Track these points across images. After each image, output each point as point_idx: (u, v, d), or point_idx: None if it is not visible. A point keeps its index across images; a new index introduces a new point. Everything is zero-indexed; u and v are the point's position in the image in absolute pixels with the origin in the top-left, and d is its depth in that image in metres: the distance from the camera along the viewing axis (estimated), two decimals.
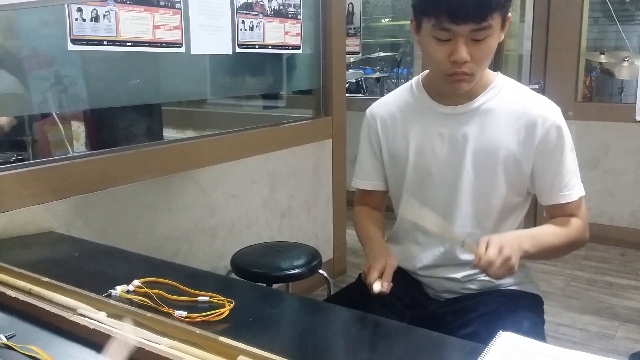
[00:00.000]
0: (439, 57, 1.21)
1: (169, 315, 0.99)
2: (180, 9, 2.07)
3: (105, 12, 1.81)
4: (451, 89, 1.28)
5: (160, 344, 0.85)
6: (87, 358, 0.87)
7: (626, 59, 3.78)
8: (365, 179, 1.50)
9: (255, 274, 1.88)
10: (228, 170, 2.37)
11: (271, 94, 3.32)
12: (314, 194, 2.92)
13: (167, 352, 0.82)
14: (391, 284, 1.19)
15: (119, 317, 0.95)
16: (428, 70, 1.38)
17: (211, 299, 1.08)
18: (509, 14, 1.23)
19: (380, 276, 1.18)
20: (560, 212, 1.34)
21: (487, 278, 1.21)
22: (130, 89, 2.06)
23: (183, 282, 1.15)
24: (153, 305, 1.04)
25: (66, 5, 1.70)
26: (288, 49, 2.69)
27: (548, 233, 1.31)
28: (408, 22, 1.29)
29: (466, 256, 1.34)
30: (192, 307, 1.06)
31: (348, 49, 4.12)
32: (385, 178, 1.48)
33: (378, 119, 1.44)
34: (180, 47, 2.10)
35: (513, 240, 1.19)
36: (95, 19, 1.79)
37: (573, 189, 1.31)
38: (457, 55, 1.18)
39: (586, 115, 3.68)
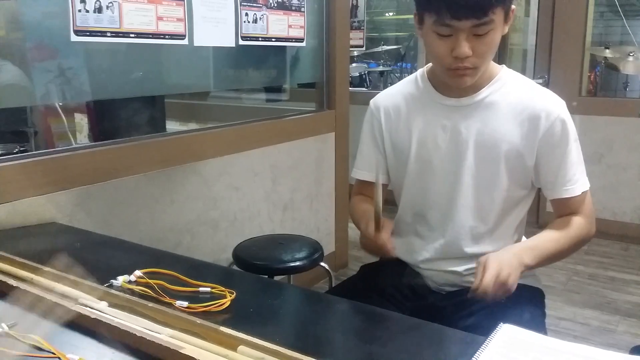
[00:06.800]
0: (441, 52, 1.21)
1: (170, 305, 1.00)
2: (183, 0, 2.06)
3: (109, 3, 1.81)
4: (454, 83, 1.27)
5: (161, 333, 0.86)
6: (88, 347, 0.88)
7: (631, 54, 3.77)
8: (365, 169, 1.49)
9: (257, 266, 1.88)
10: (230, 162, 2.37)
11: (274, 87, 3.32)
12: (316, 187, 2.92)
13: (168, 341, 0.82)
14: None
15: (120, 307, 0.95)
16: None
17: (212, 290, 1.08)
18: (513, 7, 1.23)
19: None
20: (565, 206, 1.34)
21: None
22: (133, 81, 2.06)
23: (184, 273, 1.15)
24: (154, 295, 1.04)
25: None
26: (291, 41, 2.68)
27: (550, 240, 1.30)
28: (412, 16, 1.29)
29: (468, 249, 1.34)
30: (194, 297, 1.06)
31: (352, 43, 4.10)
32: (385, 171, 1.47)
33: (382, 109, 1.44)
34: (183, 39, 2.09)
35: (512, 258, 1.19)
36: (99, 10, 1.79)
37: (577, 183, 1.31)
38: (459, 50, 1.18)
39: (590, 110, 3.66)
